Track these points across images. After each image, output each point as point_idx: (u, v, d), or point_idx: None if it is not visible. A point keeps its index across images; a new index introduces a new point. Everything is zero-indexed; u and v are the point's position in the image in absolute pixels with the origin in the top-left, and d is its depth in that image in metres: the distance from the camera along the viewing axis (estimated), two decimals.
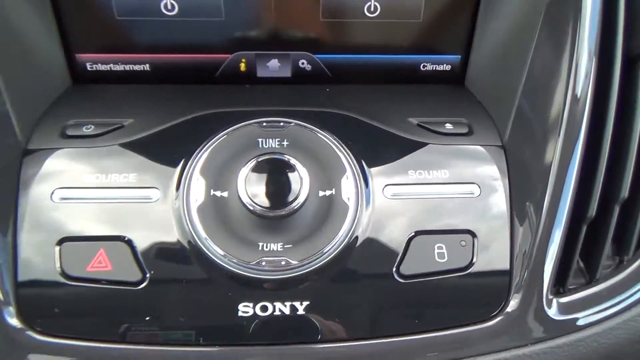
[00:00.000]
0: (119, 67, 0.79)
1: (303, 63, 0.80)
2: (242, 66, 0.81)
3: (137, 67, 0.79)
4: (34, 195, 0.64)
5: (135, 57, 0.78)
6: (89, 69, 0.79)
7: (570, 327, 0.65)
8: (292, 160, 0.63)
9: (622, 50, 0.67)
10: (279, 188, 0.61)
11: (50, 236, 0.62)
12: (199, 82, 0.79)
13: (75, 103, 0.74)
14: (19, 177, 0.65)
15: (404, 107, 0.75)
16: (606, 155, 0.66)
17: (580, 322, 0.66)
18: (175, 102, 0.74)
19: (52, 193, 0.64)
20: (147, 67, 0.79)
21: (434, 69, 0.81)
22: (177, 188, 0.64)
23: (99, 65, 0.79)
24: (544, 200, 0.64)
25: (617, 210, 0.67)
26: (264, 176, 0.62)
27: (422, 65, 0.81)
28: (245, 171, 0.62)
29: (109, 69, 0.79)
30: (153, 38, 0.77)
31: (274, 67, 0.81)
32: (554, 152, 0.65)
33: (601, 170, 0.66)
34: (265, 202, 0.61)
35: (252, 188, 0.61)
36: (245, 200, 0.61)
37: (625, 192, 0.66)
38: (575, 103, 0.65)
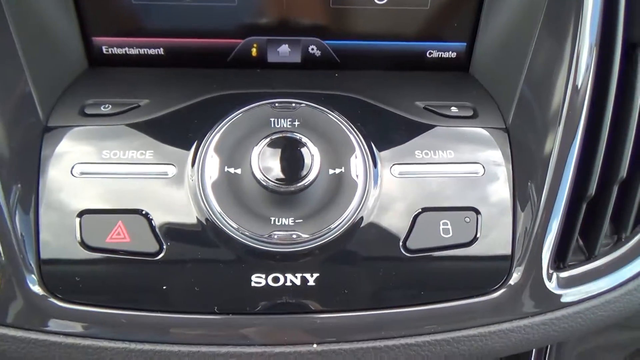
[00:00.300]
0: (134, 51, 0.81)
1: (313, 49, 0.83)
2: (254, 51, 0.83)
3: (151, 51, 0.81)
4: (55, 170, 0.66)
5: (149, 41, 0.81)
6: (104, 52, 0.81)
7: (570, 300, 0.68)
8: (304, 139, 0.65)
9: (623, 37, 0.69)
10: (290, 164, 0.64)
11: (70, 209, 0.65)
12: (211, 66, 0.82)
13: (92, 84, 0.76)
14: (40, 153, 0.67)
15: (410, 91, 0.78)
16: (605, 137, 0.68)
17: (578, 296, 0.68)
18: (189, 84, 0.76)
19: (72, 168, 0.66)
20: (161, 51, 0.81)
21: (439, 56, 0.84)
22: (192, 165, 0.67)
23: (115, 48, 0.81)
24: (546, 179, 0.67)
25: (615, 190, 0.69)
26: (276, 153, 0.64)
27: (428, 52, 0.83)
28: (258, 148, 0.64)
29: (124, 52, 0.81)
30: (168, 23, 0.79)
31: (284, 52, 0.83)
32: (555, 135, 0.67)
33: (600, 152, 0.68)
34: (277, 178, 0.63)
35: (264, 164, 0.63)
36: (258, 176, 0.63)
37: (623, 173, 0.69)
38: (575, 91, 0.67)
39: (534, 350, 0.84)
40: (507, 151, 0.70)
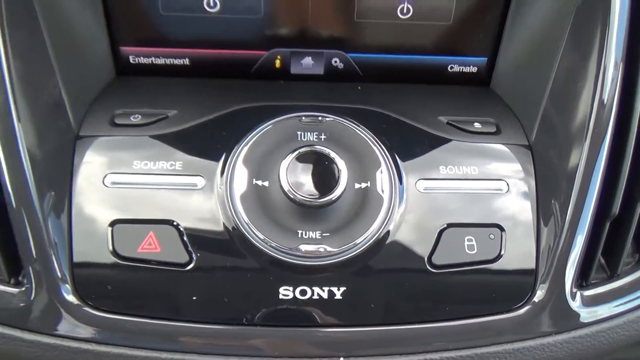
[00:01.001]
0: (160, 61, 0.83)
1: (336, 61, 0.84)
2: (277, 63, 0.84)
3: (177, 61, 0.83)
4: (87, 179, 0.67)
5: (176, 51, 0.82)
6: (132, 61, 0.82)
7: (593, 318, 0.69)
8: (331, 153, 0.66)
9: None
10: (319, 178, 0.65)
11: (102, 218, 0.66)
12: (235, 76, 0.83)
13: (121, 93, 0.78)
14: (72, 162, 0.68)
15: (433, 105, 0.79)
16: (630, 155, 0.69)
17: (601, 315, 0.69)
18: (215, 95, 0.77)
19: (104, 177, 0.67)
20: (186, 61, 0.83)
21: (460, 70, 0.85)
22: (221, 176, 0.68)
23: (142, 58, 0.82)
24: (570, 198, 0.68)
25: (639, 209, 0.70)
26: (304, 167, 0.65)
27: (449, 66, 0.85)
28: (286, 162, 0.65)
29: (150, 62, 0.82)
30: (194, 34, 0.81)
31: (307, 64, 0.85)
32: (580, 153, 0.68)
33: (625, 170, 0.69)
34: (305, 191, 0.64)
35: (292, 178, 0.65)
36: (287, 189, 0.64)
37: None
38: (601, 107, 0.68)
39: None
40: (531, 168, 0.71)
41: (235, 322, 0.65)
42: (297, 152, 0.66)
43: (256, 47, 0.82)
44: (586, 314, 0.69)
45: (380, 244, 0.66)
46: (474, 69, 0.85)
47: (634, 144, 0.69)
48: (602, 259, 0.73)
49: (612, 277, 0.71)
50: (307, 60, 0.85)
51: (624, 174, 0.69)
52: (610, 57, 0.68)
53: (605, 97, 0.68)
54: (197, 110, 0.74)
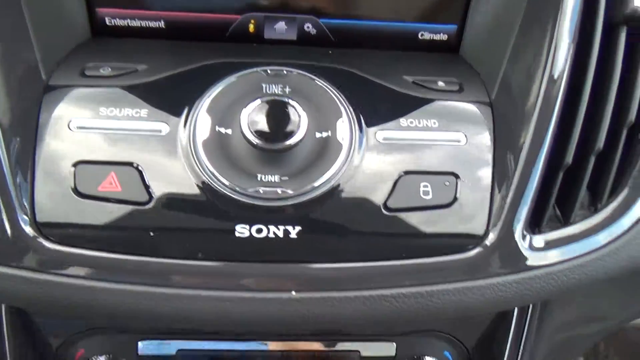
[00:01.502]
0: (136, 23, 0.84)
1: (308, 27, 0.86)
2: (251, 27, 0.86)
3: (152, 24, 0.84)
4: (53, 124, 0.69)
5: (151, 14, 0.84)
6: (107, 23, 0.84)
7: (543, 262, 0.70)
8: (293, 102, 0.68)
9: (604, 17, 0.72)
10: (279, 125, 0.66)
11: (65, 159, 0.68)
12: (210, 40, 0.85)
13: (94, 50, 0.80)
14: (39, 108, 0.70)
15: (400, 67, 0.80)
16: (584, 110, 0.71)
17: (552, 259, 0.70)
18: (186, 54, 0.79)
19: (70, 122, 0.69)
20: (162, 24, 0.85)
21: (431, 37, 0.86)
22: (185, 124, 0.70)
23: (117, 20, 0.84)
24: (523, 148, 0.70)
25: (592, 161, 0.72)
26: (266, 114, 0.67)
27: (420, 33, 0.86)
28: (248, 109, 0.67)
29: (126, 24, 0.84)
30: None
31: (280, 29, 0.86)
32: (534, 108, 0.70)
33: (578, 124, 0.71)
34: (266, 137, 0.66)
35: (254, 124, 0.66)
36: (247, 134, 0.66)
37: (600, 144, 0.71)
38: (555, 64, 0.70)
39: (510, 337, 0.86)
40: (490, 123, 0.73)
41: (191, 257, 0.67)
42: (259, 99, 0.68)
43: (230, 12, 0.84)
44: (536, 258, 0.70)
45: (337, 187, 0.68)
46: (444, 37, 0.86)
47: (588, 100, 0.71)
48: (558, 210, 0.74)
49: (564, 225, 0.72)
50: (281, 25, 0.86)
51: (577, 127, 0.71)
52: (566, 18, 0.70)
53: (560, 61, 0.70)
54: (166, 66, 0.76)
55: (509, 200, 0.69)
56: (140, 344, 0.83)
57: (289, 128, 0.66)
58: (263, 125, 0.66)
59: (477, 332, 0.88)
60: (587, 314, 0.89)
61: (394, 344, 0.85)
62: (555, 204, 0.73)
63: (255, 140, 0.65)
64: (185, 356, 0.84)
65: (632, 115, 0.72)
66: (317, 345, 0.85)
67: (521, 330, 0.85)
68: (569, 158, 0.71)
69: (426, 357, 0.86)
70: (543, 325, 0.86)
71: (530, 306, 0.84)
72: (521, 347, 0.85)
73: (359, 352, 0.85)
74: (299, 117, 0.66)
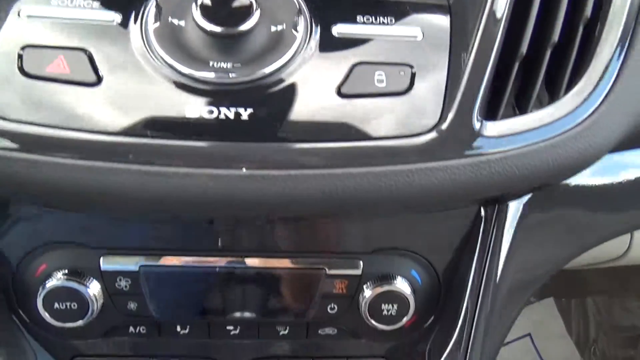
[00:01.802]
0: None
1: None
2: None
3: None
4: (2, 13, 0.68)
5: None
6: None
7: (498, 148, 0.69)
8: None
9: None
10: (233, 13, 0.66)
11: (13, 44, 0.67)
12: None
13: None
14: None
15: None
16: (538, 3, 0.71)
17: (506, 145, 0.70)
18: None
19: (20, 11, 0.69)
20: None
21: None
22: (137, 14, 0.69)
23: None
24: (477, 37, 0.70)
25: (548, 54, 0.72)
26: (220, 5, 0.66)
27: None
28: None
29: None
30: None
31: None
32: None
33: (533, 15, 0.71)
34: (217, 21, 0.65)
35: (206, 14, 0.65)
36: (199, 20, 0.65)
37: (555, 37, 0.71)
38: None
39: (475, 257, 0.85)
40: (447, 21, 0.72)
41: (139, 134, 0.66)
42: None
43: None
44: (491, 143, 0.70)
45: (289, 74, 0.68)
46: None
47: None
48: (514, 102, 0.74)
49: (520, 115, 0.72)
50: None
51: (532, 18, 0.71)
52: None
53: None
54: None
55: (462, 88, 0.69)
56: (102, 259, 0.82)
57: (243, 15, 0.65)
58: (217, 15, 0.65)
59: (445, 253, 0.87)
60: (560, 229, 0.88)
61: (361, 262, 0.84)
62: (515, 99, 0.73)
63: (206, 25, 0.65)
64: (148, 272, 0.83)
65: (588, 11, 0.72)
66: (281, 263, 0.84)
67: (487, 247, 0.84)
68: (524, 48, 0.71)
69: (397, 276, 0.85)
70: (511, 248, 0.85)
71: (495, 223, 0.84)
72: (486, 267, 0.85)
73: (324, 269, 0.84)
74: (252, 4, 0.66)
